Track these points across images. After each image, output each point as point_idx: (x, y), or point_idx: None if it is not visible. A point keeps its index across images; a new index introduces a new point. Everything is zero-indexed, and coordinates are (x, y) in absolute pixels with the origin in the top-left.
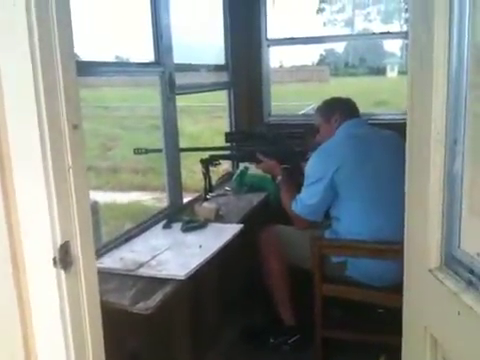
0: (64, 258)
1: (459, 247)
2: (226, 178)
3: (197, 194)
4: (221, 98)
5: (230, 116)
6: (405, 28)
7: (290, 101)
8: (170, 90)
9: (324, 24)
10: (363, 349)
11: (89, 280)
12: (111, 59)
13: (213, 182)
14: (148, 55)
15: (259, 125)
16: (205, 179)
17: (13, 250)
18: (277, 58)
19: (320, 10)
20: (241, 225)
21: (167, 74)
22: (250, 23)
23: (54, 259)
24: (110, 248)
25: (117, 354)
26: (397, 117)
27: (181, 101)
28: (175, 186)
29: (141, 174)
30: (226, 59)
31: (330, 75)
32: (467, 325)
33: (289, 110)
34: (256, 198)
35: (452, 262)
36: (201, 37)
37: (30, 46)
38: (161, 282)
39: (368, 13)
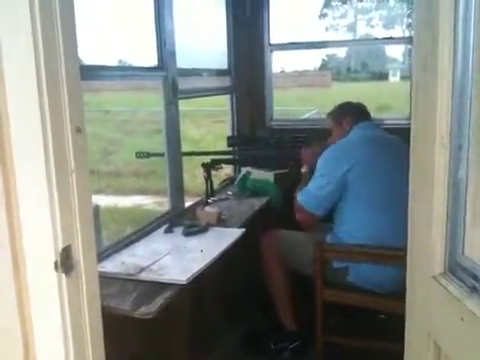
0: (65, 262)
1: (463, 253)
2: (228, 182)
3: (199, 198)
4: (223, 102)
5: (232, 120)
6: (407, 33)
7: (292, 106)
8: (173, 94)
9: (326, 29)
10: (365, 355)
11: (90, 284)
12: (114, 63)
13: (215, 186)
14: (151, 60)
15: (261, 129)
16: (207, 183)
17: (14, 253)
18: (279, 63)
19: (322, 15)
20: (243, 229)
21: (170, 78)
22: (253, 28)
23: (55, 263)
24: (111, 252)
25: (118, 358)
26: (400, 122)
27: (183, 105)
28: (177, 190)
29: (143, 178)
30: (229, 64)
31: (332, 80)
32: (470, 331)
33: (291, 115)
34: (258, 202)
35: (456, 268)
36: (204, 42)
37: (34, 50)
38: (162, 287)
39: (370, 19)
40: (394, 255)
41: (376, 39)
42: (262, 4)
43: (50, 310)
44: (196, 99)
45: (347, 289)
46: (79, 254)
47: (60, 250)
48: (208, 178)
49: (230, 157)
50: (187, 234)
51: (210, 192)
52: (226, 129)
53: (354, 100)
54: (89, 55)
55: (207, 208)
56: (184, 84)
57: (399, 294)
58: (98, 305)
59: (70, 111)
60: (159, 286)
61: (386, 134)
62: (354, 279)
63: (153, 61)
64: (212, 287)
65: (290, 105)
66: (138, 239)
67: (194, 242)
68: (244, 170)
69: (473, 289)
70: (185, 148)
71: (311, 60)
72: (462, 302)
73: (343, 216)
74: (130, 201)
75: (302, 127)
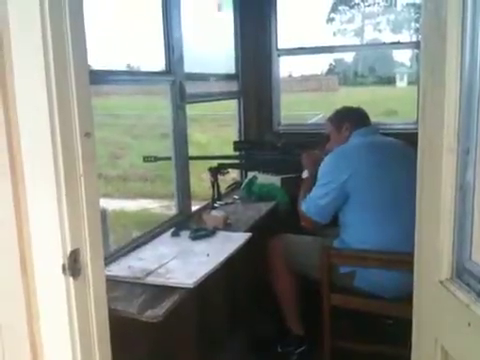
0: (73, 265)
1: (470, 259)
2: (234, 187)
3: (205, 202)
4: (230, 107)
5: (239, 125)
6: (415, 38)
7: (299, 110)
8: (180, 99)
9: (334, 34)
10: None
11: (97, 288)
12: (122, 68)
13: (221, 190)
14: (159, 64)
15: (268, 134)
16: (213, 187)
17: (23, 256)
18: (286, 67)
19: (330, 20)
20: (249, 234)
21: (178, 83)
22: (260, 33)
23: (63, 266)
24: (118, 256)
25: None
26: (408, 126)
27: (190, 109)
28: (184, 194)
29: (150, 182)
30: (236, 68)
31: (339, 84)
32: (478, 336)
33: (298, 119)
34: (265, 207)
35: (463, 273)
36: (212, 46)
37: (44, 56)
38: (169, 290)
39: (378, 23)
40: (401, 260)
41: (384, 44)
42: (270, 9)
43: (58, 313)
44: (203, 103)
45: (354, 294)
46: (87, 257)
47: (68, 253)
48: (215, 182)
49: (237, 161)
50: (194, 238)
51: (217, 196)
52: (233, 133)
53: (361, 105)
54: (98, 60)
55: (214, 212)
56: (192, 88)
57: (406, 299)
58: (105, 308)
59: (79, 116)
60: (166, 290)
61: (387, 139)
62: (361, 284)
63: (161, 66)
64: (219, 291)
65: (297, 109)
66: (145, 243)
67: (201, 246)
68: (251, 174)
69: None
70: (192, 152)
71: (318, 64)
72: (469, 307)
73: (348, 222)
74: (137, 205)
75: (309, 131)
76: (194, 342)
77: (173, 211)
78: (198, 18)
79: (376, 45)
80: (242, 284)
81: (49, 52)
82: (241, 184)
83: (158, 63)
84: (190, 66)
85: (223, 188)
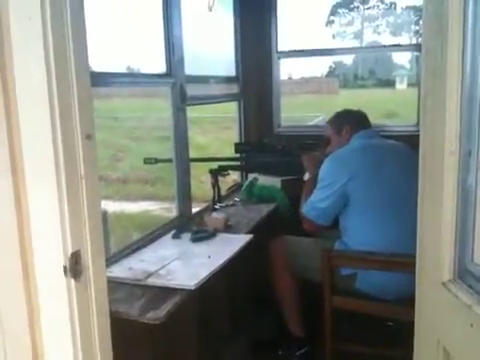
0: (74, 267)
1: (472, 260)
2: (235, 189)
3: (206, 204)
4: (230, 109)
5: (240, 127)
6: (415, 40)
7: (299, 112)
8: (181, 101)
9: (333, 36)
10: None
11: (99, 289)
12: (122, 70)
13: (222, 192)
14: (160, 66)
15: (269, 136)
16: (214, 189)
17: (24, 258)
18: (286, 70)
19: (329, 22)
20: (250, 235)
21: (178, 85)
22: (261, 35)
23: (64, 268)
24: (119, 257)
25: None
26: (408, 129)
27: (191, 112)
28: (184, 196)
29: (150, 184)
30: (237, 71)
31: (339, 87)
32: None
33: (298, 121)
34: (265, 208)
35: (465, 275)
36: (213, 49)
37: (45, 58)
38: (170, 292)
39: (377, 26)
40: (402, 262)
41: (383, 46)
42: (270, 11)
43: (59, 315)
44: (204, 106)
45: (355, 296)
46: (88, 259)
47: (69, 255)
48: (215, 184)
49: (237, 163)
50: (195, 240)
51: (217, 198)
52: (233, 136)
53: (361, 107)
54: (98, 61)
55: (214, 214)
56: (192, 91)
57: (407, 301)
58: (107, 310)
59: (80, 118)
60: (167, 291)
61: (387, 141)
62: (362, 286)
63: (161, 68)
64: (219, 293)
65: (297, 112)
66: (146, 244)
67: (202, 248)
68: (251, 176)
69: None
70: (192, 154)
71: (318, 67)
72: (471, 308)
73: (349, 224)
74: (137, 207)
75: (309, 133)
76: (195, 343)
77: (174, 213)
78: (198, 20)
79: (376, 47)
80: (243, 286)
81: (50, 54)
82: (242, 186)
83: (158, 65)
84: (191, 68)
85: (224, 190)
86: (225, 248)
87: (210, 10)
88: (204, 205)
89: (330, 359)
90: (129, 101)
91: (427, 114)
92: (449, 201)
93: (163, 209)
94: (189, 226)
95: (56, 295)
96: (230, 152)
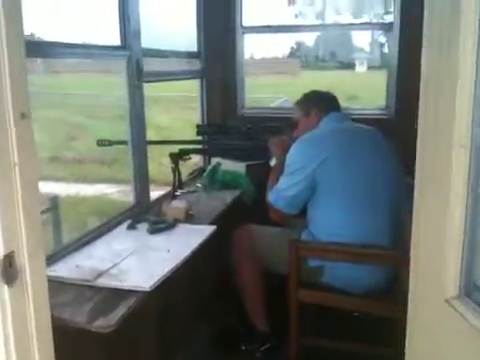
0: (7, 271)
1: None
2: (197, 174)
3: (166, 188)
4: (192, 88)
5: (202, 107)
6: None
7: (261, 94)
8: (137, 77)
9: (295, 16)
10: (339, 357)
11: (38, 295)
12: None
13: (183, 178)
14: (114, 39)
15: (232, 117)
16: (174, 175)
17: None
18: (248, 49)
19: (292, 2)
20: (214, 227)
21: (134, 59)
22: (225, 9)
23: None
24: (66, 253)
25: None
26: (375, 112)
27: (150, 90)
28: (141, 182)
29: (107, 165)
30: (198, 46)
31: (301, 68)
32: None
33: (260, 102)
34: (230, 196)
35: (473, 291)
36: (172, 21)
37: None
38: (123, 294)
39: (338, 7)
40: (373, 254)
41: (353, 24)
42: None
43: None
44: (164, 83)
45: (322, 289)
46: (24, 261)
47: (1, 258)
48: (176, 169)
49: (199, 147)
50: (152, 231)
51: (178, 184)
52: (195, 116)
53: (324, 89)
54: (48, 33)
55: (174, 202)
56: (150, 66)
57: (375, 295)
58: (48, 318)
59: (13, 94)
60: (120, 293)
61: (358, 125)
62: (329, 279)
63: (116, 41)
64: (180, 288)
65: (259, 93)
66: (98, 236)
67: (160, 240)
68: (214, 161)
69: None
70: (151, 135)
71: (280, 47)
72: None
73: (318, 213)
74: (94, 190)
75: (275, 115)
76: (154, 346)
77: (131, 197)
78: None
79: (345, 25)
80: (205, 279)
81: None
82: (204, 171)
83: (113, 38)
84: (148, 42)
85: (185, 175)
86: (186, 241)
87: None
88: (164, 189)
89: (295, 354)
90: (83, 77)
91: (428, 100)
92: (457, 205)
93: (121, 192)
94: (146, 216)
95: None
96: (191, 133)
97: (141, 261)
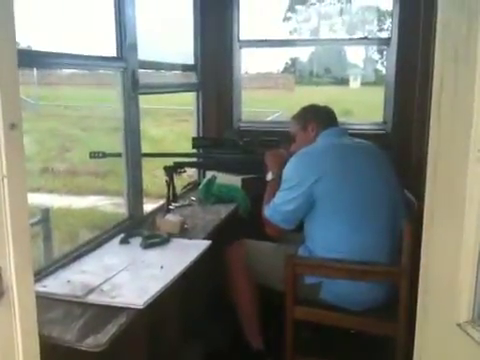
0: None
1: None
2: (191, 187)
3: (160, 201)
4: (187, 101)
5: (198, 120)
6: None
7: (256, 107)
8: (133, 89)
9: (290, 32)
10: None
11: (25, 313)
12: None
13: (177, 191)
14: (111, 51)
15: (228, 130)
16: (169, 188)
17: None
18: (243, 65)
19: (287, 19)
20: (208, 242)
21: (130, 71)
22: (222, 23)
23: None
24: (57, 267)
25: None
26: (368, 127)
27: (144, 102)
28: (135, 195)
29: (101, 177)
30: (195, 59)
31: (295, 83)
32: None
33: (255, 117)
34: (225, 210)
35: None
36: (169, 34)
37: None
38: (115, 311)
39: (333, 24)
40: (372, 271)
41: (351, 39)
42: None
43: None
44: (159, 96)
45: (319, 306)
46: (12, 277)
47: None
48: (170, 182)
49: (195, 160)
50: (146, 246)
51: (172, 198)
52: (189, 129)
53: (321, 103)
54: (43, 44)
55: (169, 216)
56: (146, 79)
57: (374, 313)
58: (35, 337)
59: (3, 104)
60: (111, 310)
61: (356, 140)
62: (327, 296)
63: (112, 52)
64: (173, 305)
65: (254, 106)
66: (89, 251)
67: (153, 256)
68: (209, 174)
69: None
70: (145, 148)
71: (274, 63)
72: None
73: (315, 228)
74: (86, 202)
75: (272, 129)
76: None
77: (124, 210)
78: (155, 1)
79: (344, 40)
80: (199, 296)
81: None
82: (199, 184)
83: (110, 49)
84: (145, 54)
85: (179, 187)
86: (180, 256)
87: None
88: (158, 202)
89: None
90: (80, 90)
91: (443, 109)
92: (473, 222)
93: (113, 205)
94: (140, 230)
95: None
96: (186, 146)
97: (133, 277)
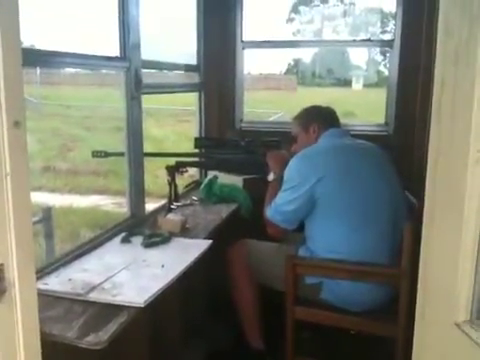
0: None
1: None
2: (193, 186)
3: (161, 201)
4: (188, 101)
5: (200, 120)
6: None
7: (258, 108)
8: (135, 88)
9: (293, 34)
10: None
11: (27, 310)
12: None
13: (179, 190)
14: (114, 50)
15: (230, 131)
16: (170, 187)
17: None
18: (245, 65)
19: (290, 20)
20: (210, 241)
21: (133, 71)
22: (225, 24)
23: None
24: (59, 265)
25: None
26: (370, 128)
27: (147, 102)
28: (137, 194)
29: (102, 177)
30: (198, 59)
31: (297, 84)
32: None
33: (257, 117)
34: (226, 209)
35: None
36: (172, 34)
37: None
38: (116, 309)
39: (336, 25)
40: (373, 271)
41: (354, 41)
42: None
43: None
44: (161, 97)
45: (320, 306)
46: (14, 274)
47: None
48: (172, 182)
49: (196, 160)
50: (147, 245)
51: (174, 197)
52: (191, 129)
53: (324, 104)
54: (46, 43)
55: (170, 215)
56: (148, 78)
57: (375, 313)
58: (37, 334)
59: (7, 102)
60: (112, 308)
61: (358, 141)
62: (328, 296)
63: (116, 52)
64: (173, 305)
65: (256, 107)
66: (91, 250)
67: (155, 255)
68: (211, 174)
69: None
70: (147, 148)
71: (277, 64)
72: None
73: (316, 229)
74: (88, 201)
75: (273, 130)
76: None
77: (125, 209)
78: (158, 1)
79: (348, 42)
80: (199, 296)
81: None
82: (200, 183)
83: (113, 49)
84: (147, 54)
85: (181, 187)
86: (181, 256)
87: None
88: (159, 202)
89: None
90: (83, 90)
91: (443, 111)
92: (472, 223)
93: (115, 204)
94: (141, 229)
95: None
96: (187, 146)
97: (134, 276)
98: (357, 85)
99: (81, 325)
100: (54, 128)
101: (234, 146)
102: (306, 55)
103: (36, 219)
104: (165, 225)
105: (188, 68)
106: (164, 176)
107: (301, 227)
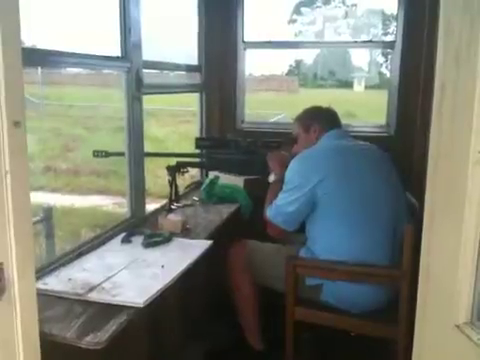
0: None
1: None
2: (194, 187)
3: (161, 201)
4: (190, 101)
5: (201, 121)
6: None
7: (260, 109)
8: (137, 88)
9: (295, 35)
10: None
11: (26, 310)
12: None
13: (180, 191)
14: (115, 50)
15: (231, 131)
16: (171, 188)
17: None
18: (247, 66)
19: (292, 21)
20: (210, 241)
21: (134, 71)
22: (227, 24)
23: None
24: (58, 265)
25: None
26: (371, 130)
27: (148, 102)
28: (137, 194)
29: (103, 177)
30: (199, 60)
31: (299, 86)
32: None
33: (259, 118)
34: (227, 210)
35: None
36: (174, 34)
37: None
38: (115, 309)
39: (338, 27)
40: (373, 273)
41: (356, 42)
42: (237, 1)
43: None
44: (161, 97)
45: (320, 308)
46: (13, 273)
47: None
48: (173, 182)
49: (197, 160)
50: (147, 245)
51: (174, 197)
52: (192, 129)
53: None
54: (46, 42)
55: (171, 215)
56: (150, 79)
57: (375, 315)
58: (36, 334)
59: (7, 102)
60: (112, 308)
61: (359, 142)
62: (328, 298)
63: (117, 51)
64: (173, 306)
65: (258, 108)
66: (91, 250)
67: (155, 255)
68: (212, 174)
69: None
70: (148, 148)
71: (278, 65)
72: None
73: (316, 230)
74: (88, 201)
75: (274, 131)
76: None
77: (126, 209)
78: (159, 2)
79: (349, 43)
80: (199, 296)
81: None
82: (201, 184)
83: (114, 49)
84: (149, 54)
85: (181, 187)
86: (181, 256)
87: None
88: (159, 202)
89: None
90: (85, 90)
91: (444, 113)
92: (472, 225)
93: (115, 204)
94: (141, 229)
95: None
96: (188, 147)
97: (134, 276)
98: (359, 87)
99: (80, 325)
100: (55, 128)
101: (235, 147)
102: (308, 56)
103: (37, 219)
104: (166, 225)
105: (189, 68)
106: (165, 176)
107: (302, 228)
